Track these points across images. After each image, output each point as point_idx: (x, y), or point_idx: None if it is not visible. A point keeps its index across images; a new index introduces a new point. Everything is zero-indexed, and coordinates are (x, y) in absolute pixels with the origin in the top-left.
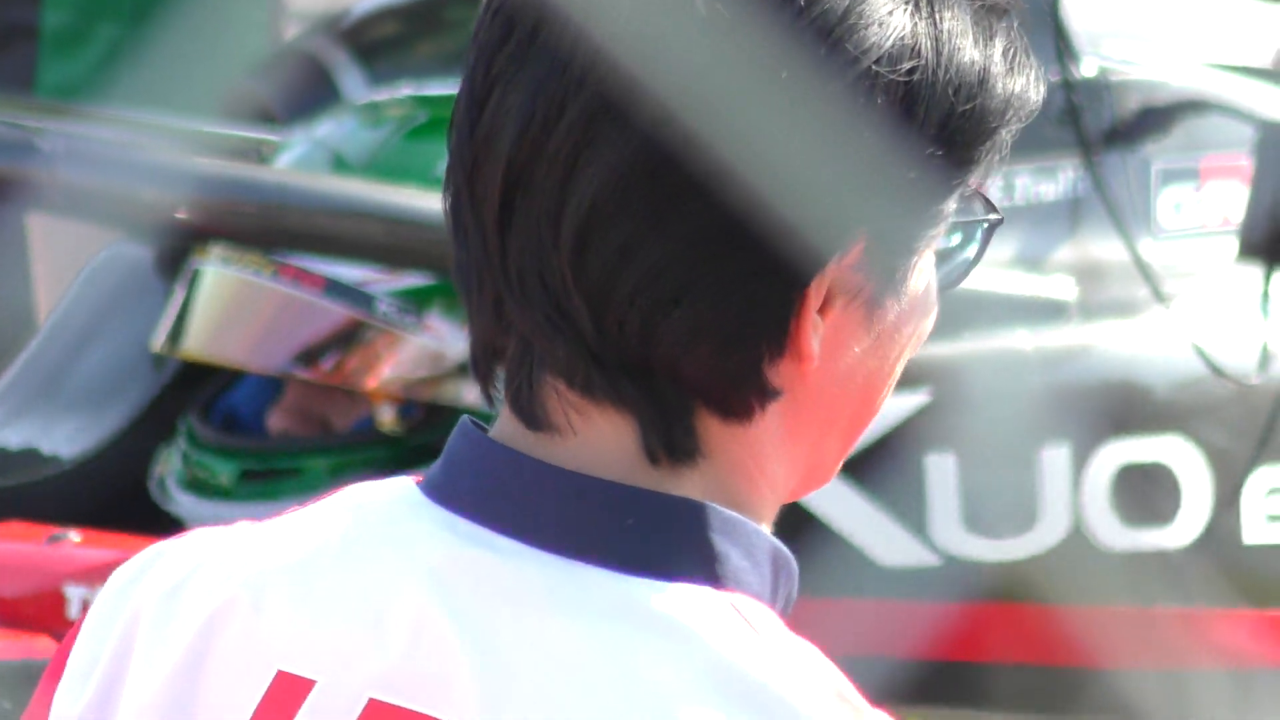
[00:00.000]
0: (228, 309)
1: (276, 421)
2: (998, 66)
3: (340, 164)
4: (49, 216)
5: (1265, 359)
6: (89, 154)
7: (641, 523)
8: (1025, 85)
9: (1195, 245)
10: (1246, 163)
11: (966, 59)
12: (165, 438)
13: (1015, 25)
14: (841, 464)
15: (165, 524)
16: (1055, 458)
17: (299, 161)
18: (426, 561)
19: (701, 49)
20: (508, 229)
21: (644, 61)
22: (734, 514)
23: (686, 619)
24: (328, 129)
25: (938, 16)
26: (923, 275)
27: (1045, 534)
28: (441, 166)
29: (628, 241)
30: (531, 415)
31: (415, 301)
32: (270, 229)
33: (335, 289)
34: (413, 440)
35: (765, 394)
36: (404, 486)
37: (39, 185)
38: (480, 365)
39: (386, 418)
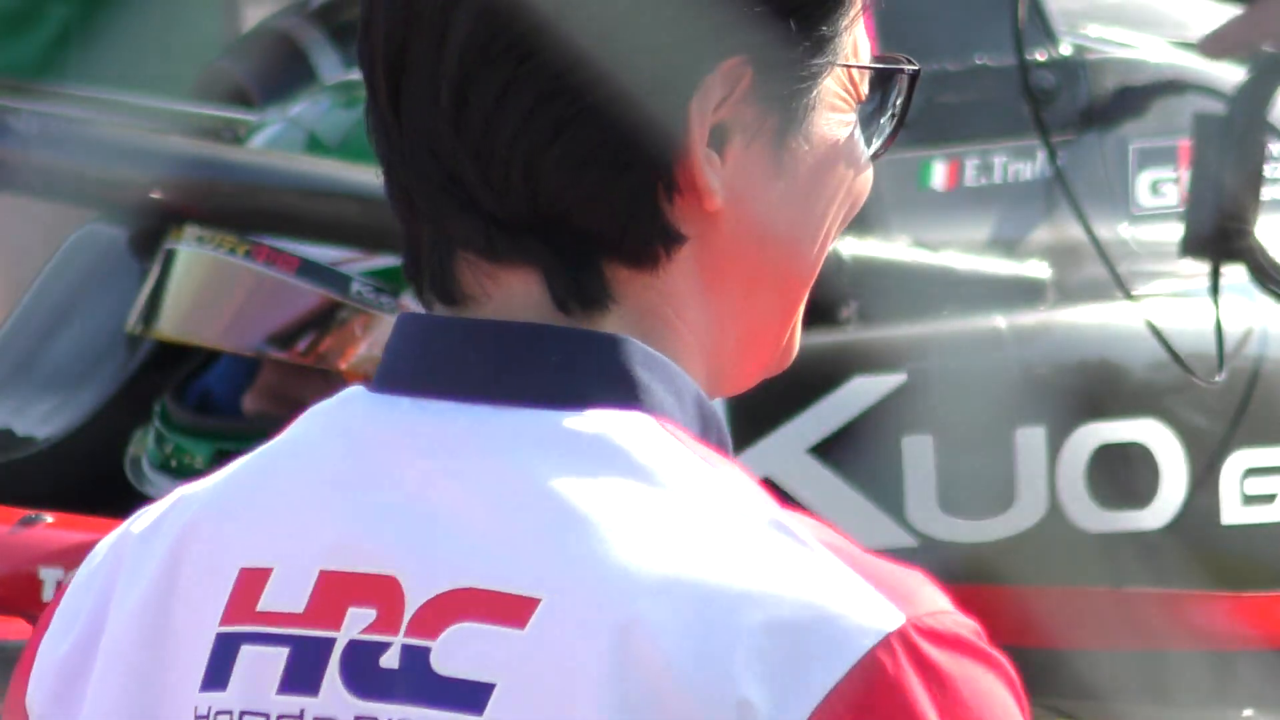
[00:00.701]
0: (201, 289)
1: (251, 403)
2: None
3: (315, 144)
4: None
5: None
6: (63, 134)
7: (563, 358)
8: None
9: (1173, 226)
10: None
11: None
12: (140, 419)
13: None
14: (796, 342)
15: (140, 505)
16: (1031, 439)
17: (273, 141)
18: (365, 439)
19: None
20: (399, 109)
21: None
22: (656, 352)
23: (611, 434)
24: (302, 109)
25: None
26: (834, 124)
27: (1021, 515)
28: None
29: (501, 87)
30: (447, 291)
31: (390, 281)
32: (245, 209)
33: (309, 269)
34: None
35: (669, 237)
36: (351, 390)
37: (12, 166)
38: (409, 264)
39: None
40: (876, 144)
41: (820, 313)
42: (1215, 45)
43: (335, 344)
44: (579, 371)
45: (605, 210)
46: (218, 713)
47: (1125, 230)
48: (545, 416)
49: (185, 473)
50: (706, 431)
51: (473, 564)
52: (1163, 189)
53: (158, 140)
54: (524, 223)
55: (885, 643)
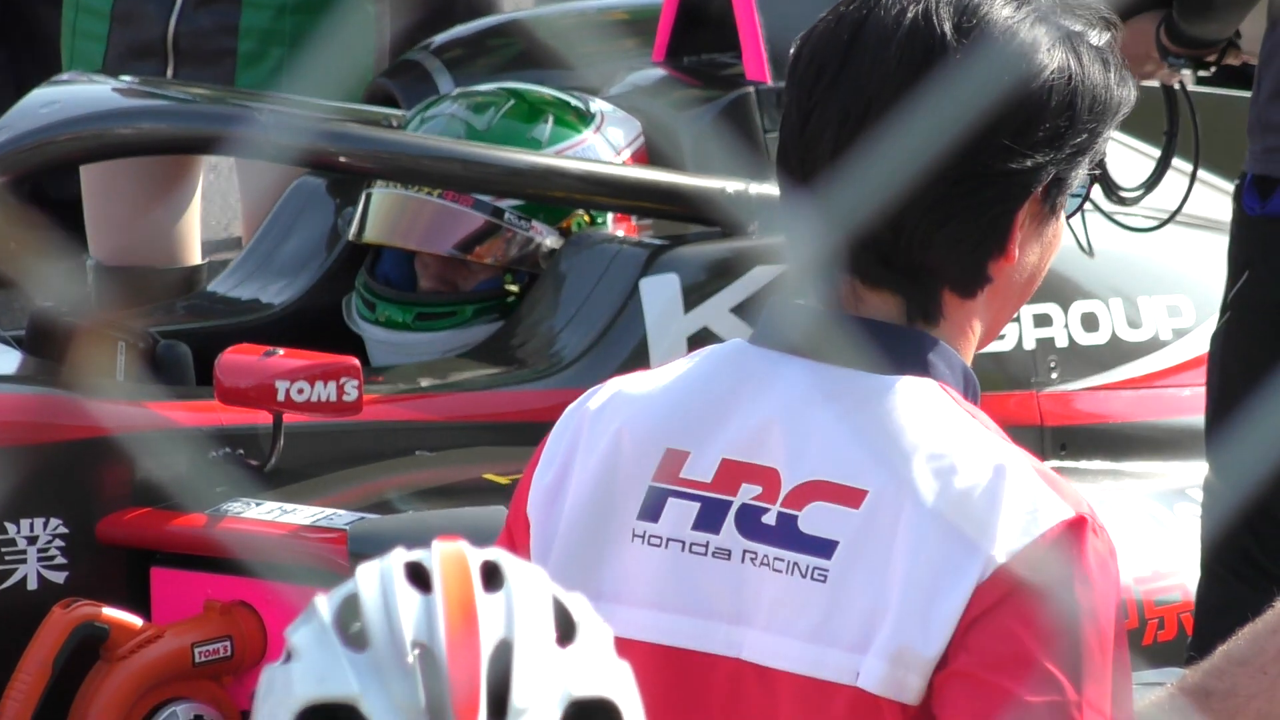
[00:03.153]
0: (401, 214)
1: (426, 283)
2: (1114, 79)
3: (471, 131)
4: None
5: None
6: (287, 123)
7: (887, 343)
8: (1129, 92)
9: None
10: None
11: (1098, 74)
12: (338, 292)
13: (1119, 56)
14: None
15: (344, 345)
16: None
17: (442, 128)
18: (751, 375)
19: (954, 78)
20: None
21: (915, 82)
22: (941, 342)
23: (910, 390)
24: (454, 108)
25: (1080, 51)
26: (1060, 207)
27: None
28: (532, 131)
29: (931, 195)
30: (829, 298)
31: (527, 212)
32: (417, 170)
33: (479, 204)
34: (521, 295)
35: (986, 281)
36: (737, 342)
37: (257, 142)
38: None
39: (508, 280)
40: (1070, 213)
41: (739, 229)
42: None
43: (492, 249)
44: (895, 353)
45: (963, 266)
46: (651, 535)
47: None
48: (871, 379)
49: (395, 326)
50: (967, 389)
51: (824, 465)
52: None
53: (343, 127)
54: (900, 264)
55: (1072, 520)
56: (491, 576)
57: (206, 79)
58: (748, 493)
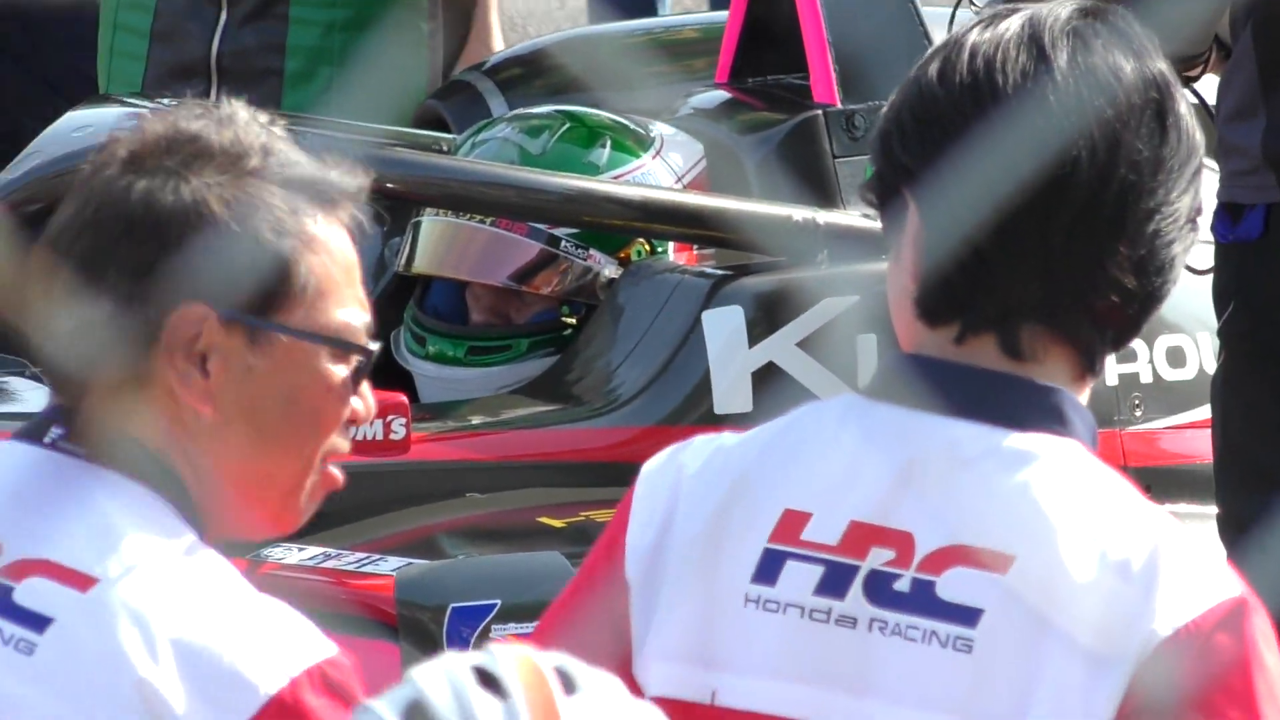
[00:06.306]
0: (456, 244)
1: (478, 316)
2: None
3: (526, 156)
4: None
5: None
6: (330, 147)
7: (1016, 397)
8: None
9: None
10: None
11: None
12: (384, 325)
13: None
14: None
15: (392, 381)
16: None
17: (495, 152)
18: (877, 433)
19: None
20: None
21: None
22: (1075, 397)
23: (1048, 450)
24: (507, 131)
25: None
26: None
27: None
28: (589, 156)
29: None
30: (949, 341)
31: (584, 240)
32: (441, 195)
33: (535, 232)
34: (578, 327)
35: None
36: (851, 397)
37: None
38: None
39: (565, 312)
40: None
41: (807, 259)
42: None
43: (548, 279)
44: (1031, 409)
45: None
46: (767, 600)
47: None
48: (1008, 435)
49: (447, 361)
50: (1094, 446)
51: (965, 529)
52: None
53: (391, 152)
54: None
55: (1238, 599)
56: (567, 681)
57: (252, 99)
58: (878, 557)
